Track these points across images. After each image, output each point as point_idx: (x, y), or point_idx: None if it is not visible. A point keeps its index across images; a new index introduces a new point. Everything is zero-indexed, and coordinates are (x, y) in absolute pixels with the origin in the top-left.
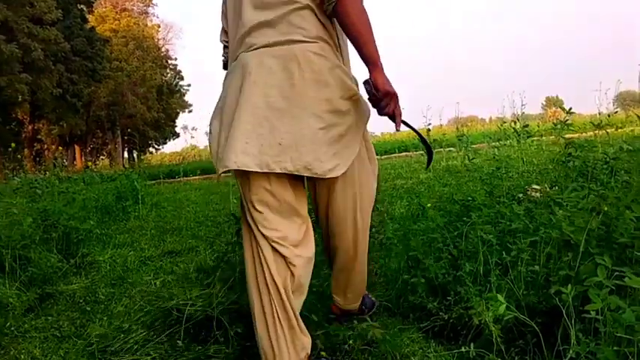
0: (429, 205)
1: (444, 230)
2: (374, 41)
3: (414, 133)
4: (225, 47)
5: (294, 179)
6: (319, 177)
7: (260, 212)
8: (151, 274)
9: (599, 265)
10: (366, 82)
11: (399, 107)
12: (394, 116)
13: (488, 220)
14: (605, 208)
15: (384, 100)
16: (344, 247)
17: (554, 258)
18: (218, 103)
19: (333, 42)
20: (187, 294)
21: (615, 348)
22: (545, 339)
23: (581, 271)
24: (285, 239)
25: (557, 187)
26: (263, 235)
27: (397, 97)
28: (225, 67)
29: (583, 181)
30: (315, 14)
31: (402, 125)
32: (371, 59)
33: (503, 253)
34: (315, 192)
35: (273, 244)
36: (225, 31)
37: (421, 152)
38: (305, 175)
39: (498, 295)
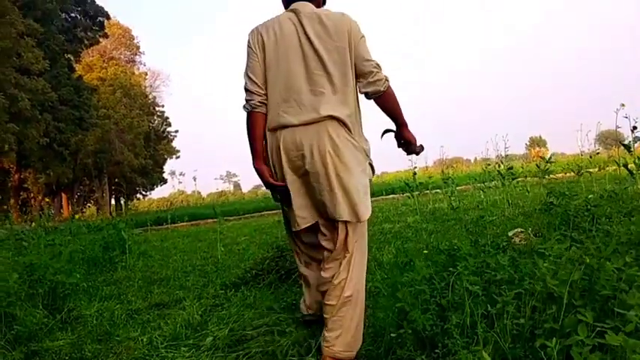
0: (418, 260)
1: (432, 281)
2: (401, 110)
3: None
4: (251, 94)
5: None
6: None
7: None
8: (138, 328)
9: (581, 323)
10: (395, 133)
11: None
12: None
13: (473, 271)
14: (587, 260)
15: (412, 145)
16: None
17: (539, 310)
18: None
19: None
20: (175, 354)
21: None
22: None
23: (565, 324)
24: None
25: (540, 235)
26: None
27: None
28: (249, 114)
29: (565, 230)
30: (356, 96)
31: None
32: (403, 122)
33: (488, 305)
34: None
35: None
36: (255, 83)
37: (408, 195)
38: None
39: (484, 353)
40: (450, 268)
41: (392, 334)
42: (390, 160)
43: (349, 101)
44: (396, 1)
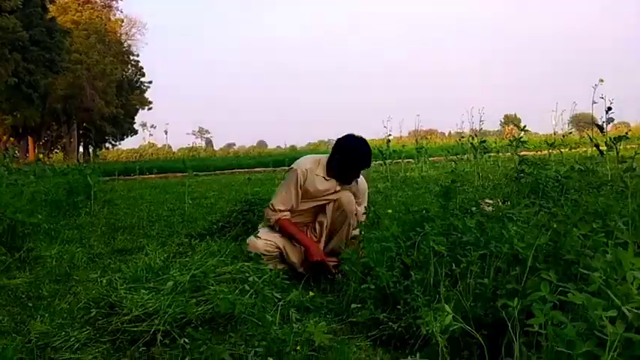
0: (389, 210)
1: (399, 240)
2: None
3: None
4: (279, 212)
5: None
6: None
7: None
8: (98, 271)
9: (544, 281)
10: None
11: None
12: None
13: (440, 232)
14: (555, 226)
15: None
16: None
17: (502, 272)
18: None
19: None
20: (134, 296)
21: None
22: (489, 351)
23: (527, 285)
24: None
25: (509, 203)
26: None
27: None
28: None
29: (534, 198)
30: None
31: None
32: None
33: (453, 264)
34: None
35: None
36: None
37: (380, 162)
38: None
39: (445, 306)
40: (418, 229)
41: (355, 287)
42: (363, 128)
43: None
44: None
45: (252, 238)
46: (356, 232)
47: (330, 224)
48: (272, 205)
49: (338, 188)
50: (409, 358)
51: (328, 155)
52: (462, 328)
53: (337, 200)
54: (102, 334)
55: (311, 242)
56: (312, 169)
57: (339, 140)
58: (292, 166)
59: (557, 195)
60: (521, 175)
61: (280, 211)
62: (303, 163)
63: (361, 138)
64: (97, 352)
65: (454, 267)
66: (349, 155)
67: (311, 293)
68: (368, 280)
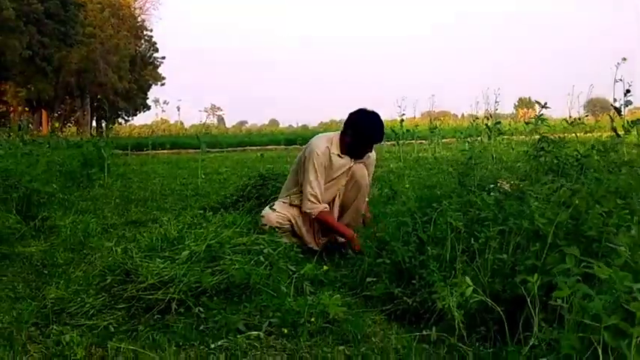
0: (406, 185)
1: (415, 215)
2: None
3: None
4: (320, 204)
5: None
6: None
7: None
8: (112, 241)
9: (568, 255)
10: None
11: None
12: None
13: (457, 208)
14: (577, 202)
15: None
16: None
17: (521, 248)
18: None
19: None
20: (150, 264)
21: (580, 335)
22: (507, 327)
23: (547, 261)
24: None
25: (527, 181)
26: None
27: None
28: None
29: (554, 177)
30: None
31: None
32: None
33: (472, 240)
34: None
35: None
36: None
37: (393, 142)
38: None
39: (466, 278)
40: (434, 204)
41: (370, 262)
42: (375, 107)
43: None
44: None
45: (267, 210)
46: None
47: (343, 198)
48: (310, 195)
49: (352, 164)
50: (424, 331)
51: (340, 132)
52: (478, 304)
53: (351, 175)
54: (117, 301)
55: (352, 233)
56: (328, 148)
57: (351, 115)
58: (310, 148)
59: (576, 174)
60: (541, 153)
61: (320, 202)
62: (320, 144)
63: (373, 112)
64: (112, 319)
65: (472, 243)
66: (362, 130)
67: (325, 267)
68: (383, 255)
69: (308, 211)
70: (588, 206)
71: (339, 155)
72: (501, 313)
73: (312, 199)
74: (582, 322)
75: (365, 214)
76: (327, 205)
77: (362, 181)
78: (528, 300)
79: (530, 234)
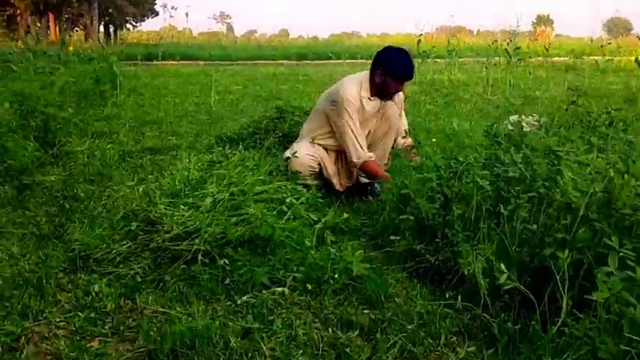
0: (432, 140)
1: (440, 170)
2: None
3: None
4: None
5: None
6: None
7: None
8: (131, 173)
9: (611, 252)
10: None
11: None
12: None
13: (483, 163)
14: (612, 175)
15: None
16: None
17: (551, 218)
18: None
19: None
20: (174, 213)
21: (617, 341)
22: (534, 300)
23: (578, 237)
24: None
25: (555, 137)
26: None
27: None
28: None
29: (583, 132)
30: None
31: None
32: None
33: (497, 201)
34: None
35: None
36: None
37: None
38: None
39: (502, 266)
40: (460, 157)
41: (392, 217)
42: (391, 20)
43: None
44: None
45: (296, 150)
46: (408, 140)
47: (372, 136)
48: (356, 145)
49: (382, 105)
50: (447, 295)
51: (367, 73)
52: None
53: (381, 115)
54: (142, 250)
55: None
56: (359, 92)
57: (378, 54)
58: (340, 94)
59: (605, 129)
60: (572, 104)
61: (365, 149)
62: (351, 90)
63: (402, 49)
64: (139, 268)
65: (499, 205)
66: (393, 70)
67: (345, 215)
68: (407, 211)
69: (356, 161)
70: (624, 182)
71: (369, 98)
72: (527, 291)
73: (359, 148)
74: (620, 324)
75: (411, 153)
76: (372, 155)
77: (393, 120)
78: (558, 277)
79: (562, 205)
